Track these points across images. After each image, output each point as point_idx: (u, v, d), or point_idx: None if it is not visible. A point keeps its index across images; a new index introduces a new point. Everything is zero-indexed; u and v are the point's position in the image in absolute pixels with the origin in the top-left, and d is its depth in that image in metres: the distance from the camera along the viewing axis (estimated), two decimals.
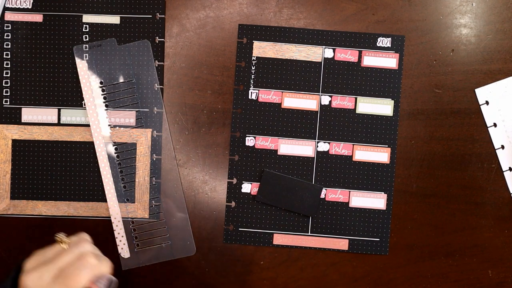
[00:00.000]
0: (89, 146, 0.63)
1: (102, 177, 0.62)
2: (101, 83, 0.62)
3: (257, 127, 0.63)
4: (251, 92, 0.63)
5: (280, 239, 0.63)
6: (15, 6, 0.62)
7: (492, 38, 0.63)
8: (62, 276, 0.47)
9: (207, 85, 0.63)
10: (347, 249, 0.63)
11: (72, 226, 0.63)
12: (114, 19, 0.63)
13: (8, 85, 0.63)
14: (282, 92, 0.63)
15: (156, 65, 0.63)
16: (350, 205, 0.63)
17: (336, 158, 0.63)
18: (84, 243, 0.50)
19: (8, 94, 0.63)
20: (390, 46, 0.63)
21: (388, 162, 0.64)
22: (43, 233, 0.63)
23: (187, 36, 0.63)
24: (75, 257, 0.49)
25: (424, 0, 0.63)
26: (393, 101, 0.63)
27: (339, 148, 0.63)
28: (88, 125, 0.63)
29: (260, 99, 0.63)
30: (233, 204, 0.64)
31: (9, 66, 0.63)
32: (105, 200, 0.63)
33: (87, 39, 0.63)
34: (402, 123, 0.64)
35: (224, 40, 0.63)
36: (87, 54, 0.62)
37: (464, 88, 0.64)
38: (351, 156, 0.64)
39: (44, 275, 0.47)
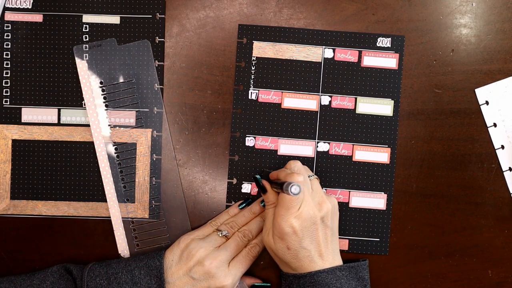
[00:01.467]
0: (89, 146, 0.63)
1: (102, 177, 0.62)
2: (101, 83, 0.62)
3: (257, 127, 0.63)
4: (251, 92, 0.63)
5: None
6: (15, 6, 0.62)
7: (492, 38, 0.63)
8: (238, 261, 0.58)
9: (207, 85, 0.63)
10: (347, 249, 0.63)
11: (72, 226, 0.63)
12: (114, 19, 0.63)
13: (8, 85, 0.63)
14: (282, 92, 0.63)
15: (156, 65, 0.63)
16: (350, 205, 0.63)
17: (336, 158, 0.63)
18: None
19: (8, 94, 0.63)
20: (390, 46, 0.63)
21: (388, 162, 0.64)
22: (43, 233, 0.63)
23: (187, 36, 0.63)
24: (242, 245, 0.58)
25: (424, 0, 0.63)
26: (393, 101, 0.63)
27: (339, 148, 0.63)
28: (88, 125, 0.63)
29: (260, 99, 0.63)
30: (233, 204, 0.63)
31: (9, 66, 0.63)
32: (105, 200, 0.63)
33: (87, 39, 0.63)
34: (402, 123, 0.64)
35: (224, 40, 0.63)
36: (87, 54, 0.62)
37: (464, 88, 0.64)
38: (351, 156, 0.64)
39: (223, 258, 0.56)
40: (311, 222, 0.54)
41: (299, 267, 0.55)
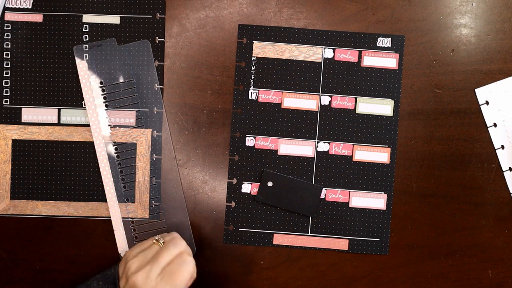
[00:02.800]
0: (89, 146, 0.63)
1: (102, 177, 0.62)
2: (101, 83, 0.62)
3: (257, 127, 0.63)
4: (251, 92, 0.63)
5: (280, 239, 0.63)
6: (15, 6, 0.62)
7: (492, 38, 0.63)
8: (167, 274, 0.53)
9: (207, 85, 0.63)
10: (347, 249, 0.63)
11: (72, 226, 0.63)
12: (114, 19, 0.63)
13: (8, 85, 0.63)
14: (282, 92, 0.63)
15: (156, 65, 0.63)
16: (350, 205, 0.64)
17: (336, 158, 0.63)
18: (178, 241, 0.56)
19: (8, 94, 0.63)
20: (390, 46, 0.63)
21: (388, 162, 0.64)
22: (43, 233, 0.63)
23: (187, 36, 0.63)
24: (175, 255, 0.54)
25: (424, 0, 0.63)
26: (393, 101, 0.63)
27: (339, 148, 0.63)
28: (88, 125, 0.63)
29: (260, 99, 0.63)
30: (233, 204, 0.64)
31: (9, 66, 0.63)
32: (105, 200, 0.63)
33: (87, 39, 0.63)
34: (402, 123, 0.64)
35: (224, 40, 0.63)
36: (87, 54, 0.62)
37: (464, 88, 0.64)
38: (351, 156, 0.64)
39: (151, 273, 0.53)
40: None
41: None
